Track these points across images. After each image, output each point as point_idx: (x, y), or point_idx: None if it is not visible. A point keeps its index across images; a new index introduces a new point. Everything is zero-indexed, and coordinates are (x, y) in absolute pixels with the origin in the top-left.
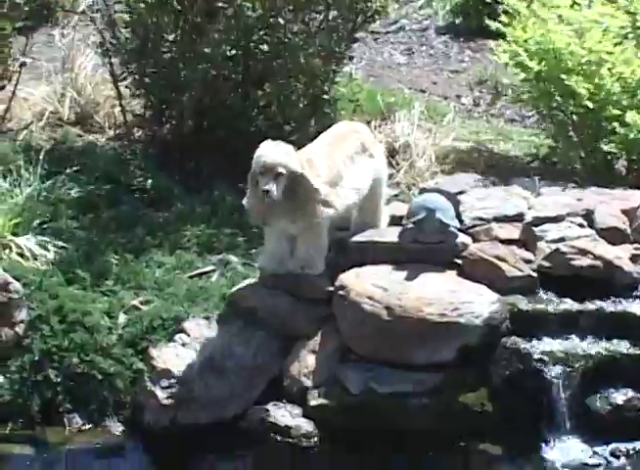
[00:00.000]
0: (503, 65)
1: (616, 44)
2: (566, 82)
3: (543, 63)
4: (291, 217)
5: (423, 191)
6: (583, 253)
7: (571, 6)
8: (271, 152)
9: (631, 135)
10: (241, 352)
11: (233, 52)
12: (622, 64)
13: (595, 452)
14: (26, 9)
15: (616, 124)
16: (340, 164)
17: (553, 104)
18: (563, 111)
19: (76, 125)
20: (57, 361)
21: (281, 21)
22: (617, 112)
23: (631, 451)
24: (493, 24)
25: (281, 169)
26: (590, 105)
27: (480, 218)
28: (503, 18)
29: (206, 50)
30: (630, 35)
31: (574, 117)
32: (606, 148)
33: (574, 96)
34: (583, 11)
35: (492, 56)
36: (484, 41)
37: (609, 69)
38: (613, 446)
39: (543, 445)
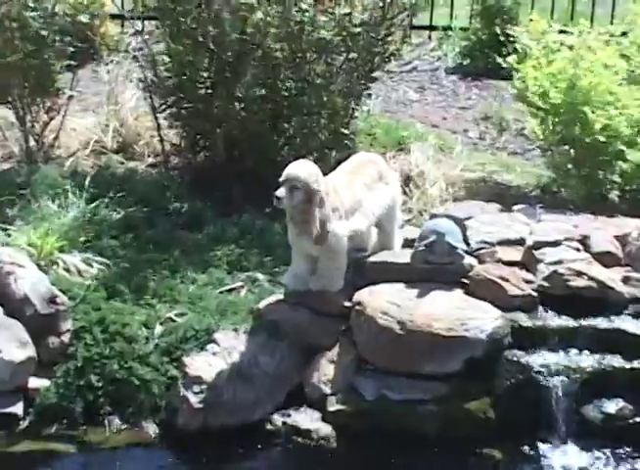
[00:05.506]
0: (507, 101)
1: (619, 85)
2: (587, 114)
3: (562, 95)
4: (307, 238)
5: (433, 216)
6: (579, 274)
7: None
8: (294, 167)
9: (629, 170)
10: (265, 361)
11: (262, 92)
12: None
13: (590, 458)
14: (72, 50)
15: (616, 158)
16: (359, 192)
17: (557, 137)
18: (567, 144)
19: (118, 153)
20: (98, 368)
21: (305, 61)
22: (623, 147)
23: (623, 457)
24: (505, 62)
25: (297, 183)
26: (602, 138)
27: (486, 242)
28: (514, 56)
29: (239, 94)
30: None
31: (574, 150)
32: (614, 177)
33: (588, 128)
34: (596, 53)
35: (511, 88)
36: (490, 81)
37: (616, 107)
38: (606, 451)
39: (541, 450)
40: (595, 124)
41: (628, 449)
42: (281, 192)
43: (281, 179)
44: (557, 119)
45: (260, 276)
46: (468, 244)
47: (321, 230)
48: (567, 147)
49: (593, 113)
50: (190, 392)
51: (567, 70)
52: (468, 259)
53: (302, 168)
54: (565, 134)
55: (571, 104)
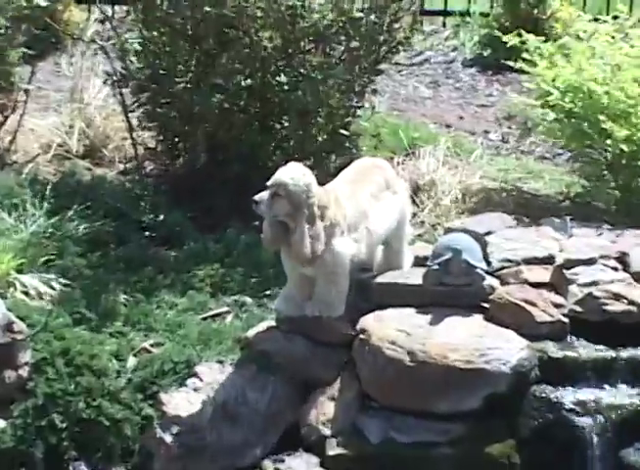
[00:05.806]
0: (532, 100)
1: None
2: (602, 125)
3: (575, 101)
4: (291, 256)
5: (448, 231)
6: (617, 297)
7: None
8: (283, 171)
9: None
10: (255, 398)
11: (248, 82)
12: None
13: None
14: (25, 38)
15: None
16: (364, 203)
17: (586, 142)
18: (596, 149)
19: (85, 158)
20: (62, 406)
21: (299, 51)
22: None
23: None
24: (514, 64)
25: (281, 191)
26: (625, 148)
27: (509, 260)
28: (526, 55)
29: (218, 81)
30: None
31: (608, 156)
32: None
33: (610, 137)
34: (618, 44)
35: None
36: (514, 75)
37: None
38: None
39: None
40: (616, 134)
41: None
42: (261, 196)
43: (268, 183)
44: (578, 125)
45: (248, 300)
46: (488, 262)
47: (311, 249)
48: (599, 152)
49: (608, 118)
50: (167, 433)
51: (580, 73)
52: (488, 280)
53: (290, 174)
54: (592, 139)
55: (586, 110)
